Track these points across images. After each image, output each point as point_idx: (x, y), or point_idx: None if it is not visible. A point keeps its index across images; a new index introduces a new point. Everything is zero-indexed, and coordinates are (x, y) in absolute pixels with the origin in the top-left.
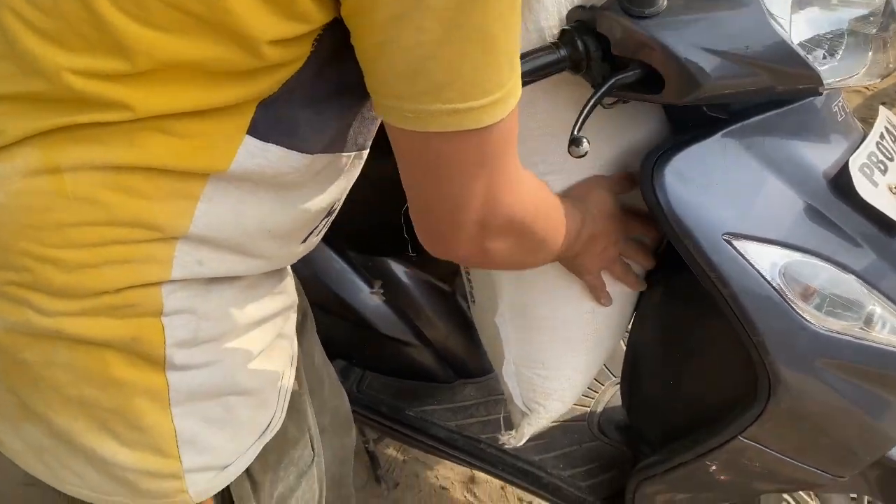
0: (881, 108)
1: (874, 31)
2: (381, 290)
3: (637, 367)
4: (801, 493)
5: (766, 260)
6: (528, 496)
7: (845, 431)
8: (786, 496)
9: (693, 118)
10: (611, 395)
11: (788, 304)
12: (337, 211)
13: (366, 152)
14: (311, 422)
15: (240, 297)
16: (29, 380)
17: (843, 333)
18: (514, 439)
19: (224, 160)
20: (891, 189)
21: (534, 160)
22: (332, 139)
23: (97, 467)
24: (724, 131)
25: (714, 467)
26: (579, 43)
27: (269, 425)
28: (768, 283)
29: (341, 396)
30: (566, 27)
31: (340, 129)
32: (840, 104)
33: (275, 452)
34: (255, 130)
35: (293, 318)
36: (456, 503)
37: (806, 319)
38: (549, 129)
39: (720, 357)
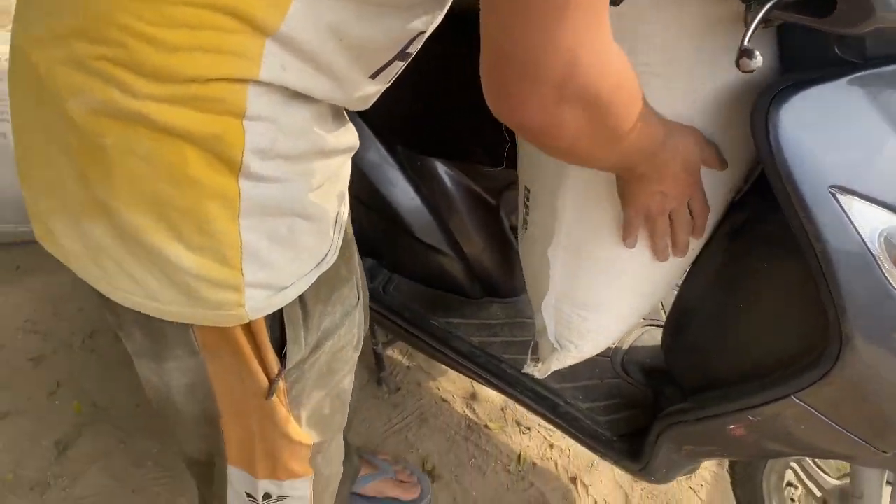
0: None
1: None
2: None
3: (687, 311)
4: (809, 461)
5: (869, 221)
6: (526, 421)
7: None
8: (792, 463)
9: (817, 58)
10: (638, 334)
11: (882, 270)
12: (410, 58)
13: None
14: (358, 269)
15: (314, 122)
16: (104, 168)
17: None
18: (539, 371)
19: None
20: None
21: (637, 49)
22: None
23: (159, 271)
24: (851, 76)
25: (754, 422)
26: None
27: (325, 256)
28: (866, 245)
29: (365, 289)
30: None
31: None
32: None
33: (326, 286)
34: None
35: (349, 164)
36: (455, 416)
37: (895, 289)
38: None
39: (786, 313)
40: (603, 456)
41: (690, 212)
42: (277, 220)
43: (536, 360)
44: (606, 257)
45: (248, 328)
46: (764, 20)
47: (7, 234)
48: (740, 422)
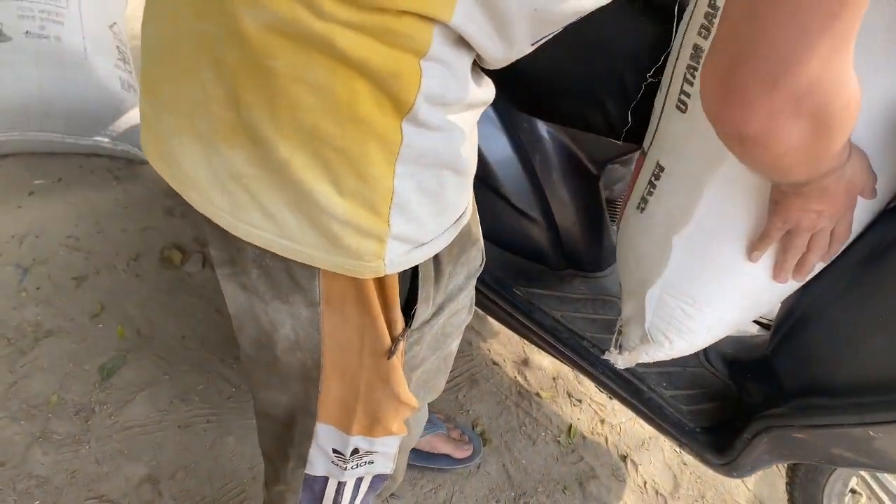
0: None
1: None
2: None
3: (806, 316)
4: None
5: None
6: (577, 393)
7: None
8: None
9: None
10: None
11: None
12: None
13: None
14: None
15: (472, 74)
16: (266, 93)
17: None
18: (623, 361)
19: None
20: None
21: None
22: None
23: (302, 213)
24: None
25: (871, 437)
26: None
27: (463, 213)
28: None
29: None
30: None
31: None
32: None
33: (458, 245)
34: None
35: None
36: (506, 380)
37: None
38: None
39: None
40: (684, 447)
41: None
42: (430, 170)
43: (620, 349)
44: (733, 257)
45: (381, 282)
46: None
47: (55, 144)
48: (855, 436)
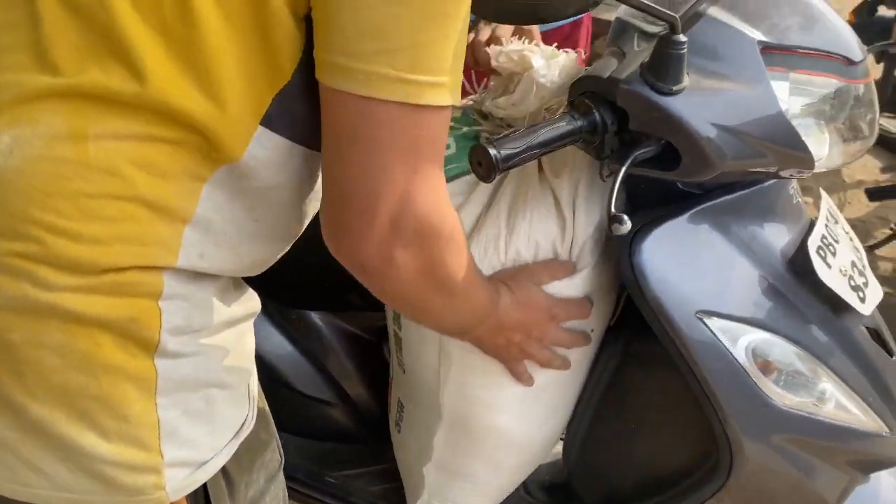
0: (822, 192)
1: (827, 118)
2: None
3: (586, 430)
4: None
5: (735, 338)
6: None
7: (792, 498)
8: None
9: (664, 191)
10: None
11: (753, 381)
12: None
13: None
14: (275, 430)
15: (222, 294)
16: (11, 364)
17: (798, 409)
18: None
19: (239, 148)
20: (842, 271)
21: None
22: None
23: (71, 462)
24: (694, 210)
25: None
26: (596, 114)
27: (243, 423)
28: (736, 361)
29: None
30: (577, 97)
31: None
32: (794, 187)
33: (248, 454)
34: (267, 121)
35: (252, 328)
36: None
37: (768, 396)
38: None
39: (679, 426)
40: None
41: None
42: (195, 393)
43: None
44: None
45: None
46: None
47: None
48: None
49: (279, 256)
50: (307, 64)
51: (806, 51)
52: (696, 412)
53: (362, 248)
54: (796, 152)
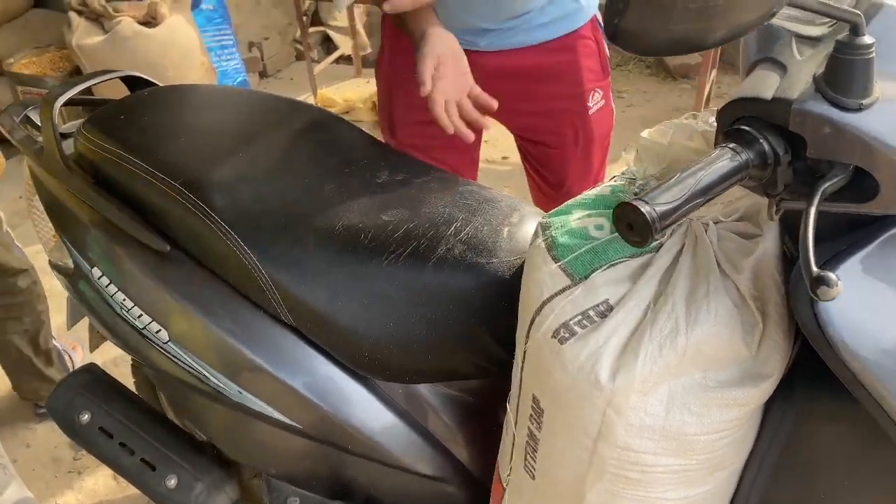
0: None
1: None
2: None
3: None
4: None
5: None
6: None
7: None
8: None
9: (835, 218)
10: None
11: None
12: None
13: None
14: None
15: None
16: None
17: None
18: None
19: None
20: None
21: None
22: None
23: None
24: (885, 235)
25: None
26: (764, 144)
27: None
28: None
29: None
30: (732, 127)
31: None
32: None
33: None
34: None
35: None
36: None
37: None
38: None
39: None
40: None
41: None
42: None
43: None
44: None
45: None
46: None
47: None
48: None
49: None
50: None
51: None
52: None
53: None
54: None
